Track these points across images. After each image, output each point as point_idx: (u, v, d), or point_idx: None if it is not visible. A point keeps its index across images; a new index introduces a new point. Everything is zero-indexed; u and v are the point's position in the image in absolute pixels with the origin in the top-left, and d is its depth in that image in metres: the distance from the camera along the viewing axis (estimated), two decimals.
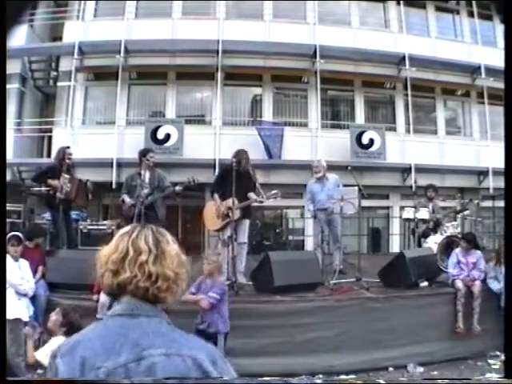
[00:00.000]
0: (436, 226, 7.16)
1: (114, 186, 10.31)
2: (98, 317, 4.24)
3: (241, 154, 5.77)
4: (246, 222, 5.78)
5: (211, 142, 11.22)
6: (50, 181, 5.97)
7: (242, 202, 5.49)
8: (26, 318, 4.32)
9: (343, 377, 4.63)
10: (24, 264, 4.65)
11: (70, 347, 1.10)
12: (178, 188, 5.72)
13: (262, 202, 5.65)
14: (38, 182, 6.30)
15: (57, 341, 2.82)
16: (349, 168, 6.62)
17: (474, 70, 12.47)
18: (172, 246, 1.21)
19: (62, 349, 1.11)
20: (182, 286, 1.21)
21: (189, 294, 4.00)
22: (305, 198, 7.47)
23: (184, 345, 1.07)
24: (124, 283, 1.13)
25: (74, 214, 7.02)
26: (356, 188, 6.05)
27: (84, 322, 2.71)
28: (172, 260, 1.18)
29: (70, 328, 2.89)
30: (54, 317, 3.16)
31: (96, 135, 11.48)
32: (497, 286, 5.37)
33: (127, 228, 1.23)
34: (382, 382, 4.61)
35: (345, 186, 6.55)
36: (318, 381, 4.52)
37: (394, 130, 12.58)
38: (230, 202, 5.45)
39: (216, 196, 5.74)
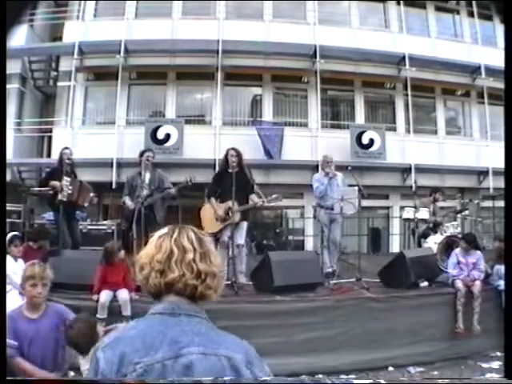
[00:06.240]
0: (436, 226, 7.15)
1: (114, 186, 10.31)
2: (98, 317, 4.24)
3: (240, 154, 5.69)
4: (244, 224, 5.72)
5: (211, 142, 11.22)
6: (51, 182, 6.01)
7: (240, 204, 5.44)
8: None
9: (343, 376, 4.62)
10: (22, 264, 4.63)
11: (111, 342, 1.12)
12: (172, 190, 5.71)
13: (263, 205, 5.63)
14: (43, 186, 6.33)
15: None
16: (349, 168, 6.61)
17: (473, 70, 12.47)
18: (212, 245, 1.25)
19: (104, 342, 1.14)
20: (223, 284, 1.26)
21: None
22: (311, 193, 7.09)
23: (221, 344, 1.10)
24: (172, 282, 1.16)
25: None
26: (356, 188, 6.05)
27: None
28: (215, 258, 1.23)
29: None
30: None
31: (96, 135, 11.48)
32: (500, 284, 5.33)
33: (165, 229, 1.25)
34: (381, 381, 4.60)
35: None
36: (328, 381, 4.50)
37: (394, 130, 12.58)
38: (229, 203, 5.42)
39: (212, 199, 5.66)
